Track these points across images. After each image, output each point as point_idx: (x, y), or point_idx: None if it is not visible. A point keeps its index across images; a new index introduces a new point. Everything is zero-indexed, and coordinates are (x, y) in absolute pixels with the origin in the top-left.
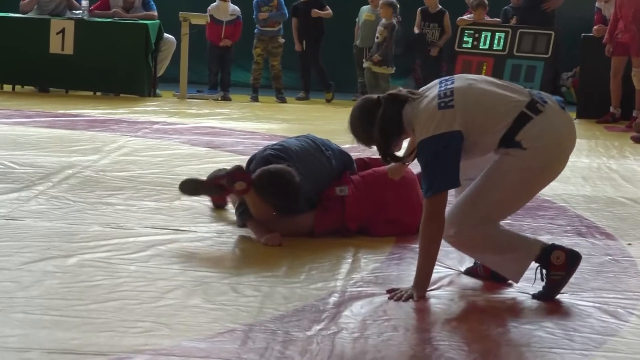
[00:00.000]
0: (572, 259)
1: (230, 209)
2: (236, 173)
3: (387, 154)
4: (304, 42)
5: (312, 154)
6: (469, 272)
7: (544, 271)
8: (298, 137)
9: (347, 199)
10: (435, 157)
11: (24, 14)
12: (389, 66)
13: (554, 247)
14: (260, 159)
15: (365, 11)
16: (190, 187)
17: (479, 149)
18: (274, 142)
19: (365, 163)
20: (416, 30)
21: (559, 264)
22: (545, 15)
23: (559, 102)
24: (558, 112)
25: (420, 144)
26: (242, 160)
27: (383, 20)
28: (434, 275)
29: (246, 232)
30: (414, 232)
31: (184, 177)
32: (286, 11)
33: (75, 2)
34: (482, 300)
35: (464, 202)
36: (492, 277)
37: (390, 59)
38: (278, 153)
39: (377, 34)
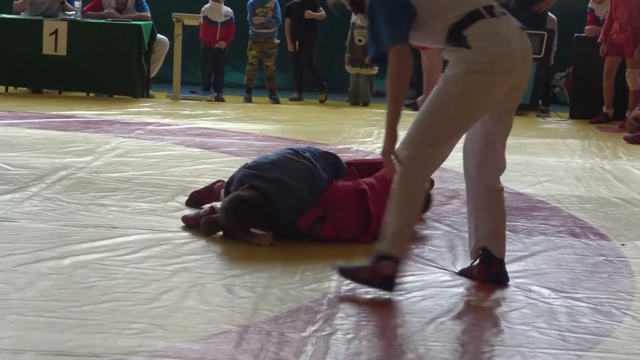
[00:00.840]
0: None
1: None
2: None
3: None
4: (297, 42)
5: (292, 159)
6: (462, 273)
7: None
8: (277, 151)
9: (372, 207)
10: (385, 16)
11: (17, 14)
12: (372, 67)
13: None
14: (236, 181)
15: None
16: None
17: (430, 36)
18: (251, 159)
19: (368, 167)
20: None
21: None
22: (536, 17)
23: (520, 25)
24: (514, 27)
25: (371, 3)
26: (236, 162)
27: (358, 21)
28: (429, 277)
29: None
30: None
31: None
32: (280, 17)
33: (67, 3)
34: (475, 301)
35: (413, 123)
36: (486, 279)
37: None
38: (251, 172)
39: (359, 37)
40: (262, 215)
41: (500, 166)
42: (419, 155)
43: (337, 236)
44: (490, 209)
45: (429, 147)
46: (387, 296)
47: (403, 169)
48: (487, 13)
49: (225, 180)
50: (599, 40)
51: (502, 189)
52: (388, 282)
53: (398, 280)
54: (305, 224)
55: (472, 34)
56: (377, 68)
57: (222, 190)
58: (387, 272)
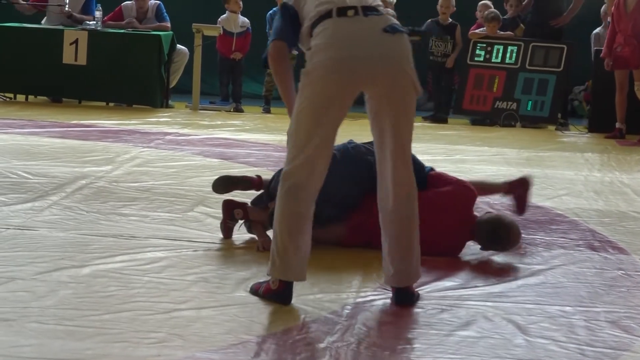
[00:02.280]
0: None
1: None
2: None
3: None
4: None
5: (354, 155)
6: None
7: None
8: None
9: None
10: (278, 18)
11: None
12: None
13: None
14: (275, 181)
15: None
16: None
17: (302, 39)
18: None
19: None
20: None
21: None
22: (554, 31)
23: (395, 27)
24: (370, 29)
25: None
26: (254, 172)
27: None
28: (446, 288)
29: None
30: (443, 253)
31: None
32: None
33: (77, 16)
34: (493, 313)
35: None
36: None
37: None
38: None
39: None
40: None
41: (393, 186)
42: (285, 172)
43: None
44: (385, 232)
45: (291, 162)
46: (405, 308)
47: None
48: (337, 13)
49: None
50: (602, 55)
51: (407, 217)
52: (278, 295)
53: (288, 292)
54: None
55: (315, 35)
56: None
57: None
58: (274, 287)
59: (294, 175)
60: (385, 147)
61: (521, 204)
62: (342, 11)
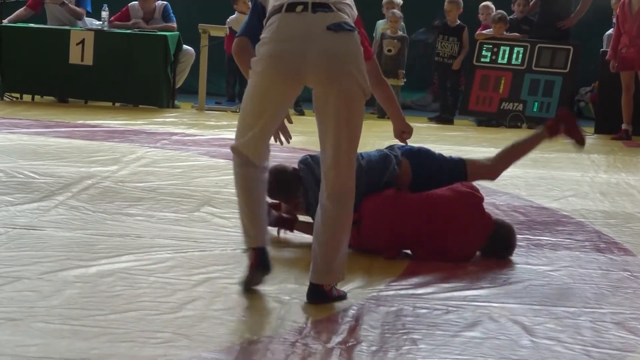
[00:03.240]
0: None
1: None
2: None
3: None
4: None
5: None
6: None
7: None
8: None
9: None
10: (248, 15)
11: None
12: (401, 78)
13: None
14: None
15: (381, 25)
16: None
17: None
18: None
19: None
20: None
21: None
22: (561, 32)
23: (341, 25)
24: (314, 26)
25: None
26: None
27: (388, 32)
28: (452, 289)
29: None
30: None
31: None
32: None
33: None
34: (499, 314)
35: None
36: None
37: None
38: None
39: (388, 47)
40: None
41: (326, 185)
42: (233, 146)
43: (361, 246)
44: (315, 226)
45: (239, 139)
46: (410, 309)
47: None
48: (286, 9)
49: None
50: (607, 57)
51: (335, 217)
52: (252, 268)
53: (262, 264)
54: None
55: (264, 29)
56: (404, 79)
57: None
58: (250, 260)
59: (241, 152)
60: (326, 144)
61: (576, 134)
62: (290, 7)
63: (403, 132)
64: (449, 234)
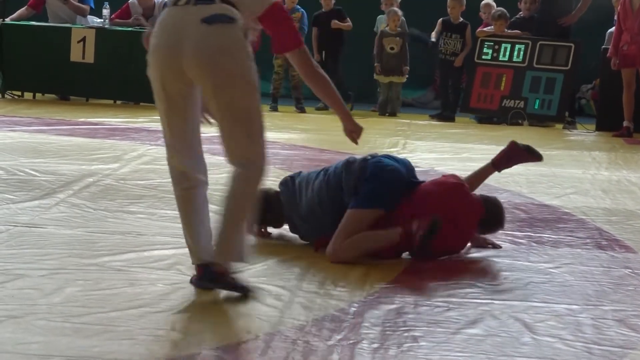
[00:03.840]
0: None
1: None
2: None
3: None
4: (323, 52)
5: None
6: None
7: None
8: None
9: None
10: None
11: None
12: (403, 74)
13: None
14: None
15: (382, 21)
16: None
17: None
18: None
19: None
20: (433, 38)
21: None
22: (562, 29)
23: (216, 18)
24: (189, 19)
25: None
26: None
27: (388, 29)
28: (453, 287)
29: (265, 241)
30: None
31: None
32: (307, 27)
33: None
34: (500, 312)
35: None
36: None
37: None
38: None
39: (390, 45)
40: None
41: (226, 153)
42: (168, 163)
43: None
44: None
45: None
46: (411, 306)
47: None
48: (172, 2)
49: None
50: (608, 54)
51: (231, 195)
52: (193, 282)
53: (206, 279)
54: (317, 247)
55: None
56: (407, 76)
57: None
58: (196, 274)
59: (173, 167)
60: (219, 126)
61: (527, 158)
62: (176, 0)
63: (351, 131)
64: (443, 230)
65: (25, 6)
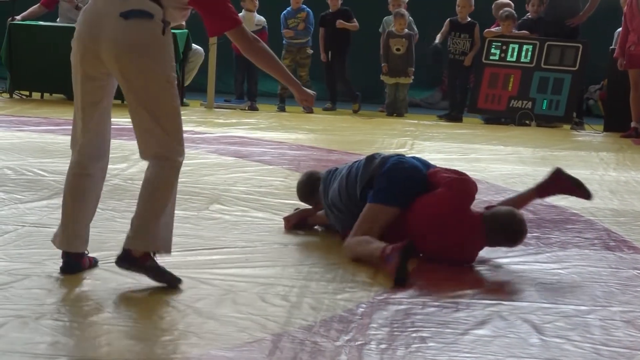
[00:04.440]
0: None
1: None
2: None
3: None
4: (330, 52)
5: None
6: None
7: None
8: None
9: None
10: None
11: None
12: (410, 75)
13: None
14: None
15: (389, 22)
16: None
17: None
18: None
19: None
20: (438, 40)
21: None
22: (570, 29)
23: (134, 12)
24: (105, 12)
25: None
26: (269, 170)
27: (394, 30)
28: (461, 287)
29: (273, 241)
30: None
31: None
32: (312, 27)
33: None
34: (508, 312)
35: None
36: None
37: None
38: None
39: (397, 46)
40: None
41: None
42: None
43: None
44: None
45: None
46: (420, 307)
47: None
48: None
49: None
50: (615, 55)
51: (153, 178)
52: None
53: (71, 263)
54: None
55: None
56: (413, 77)
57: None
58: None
59: (73, 153)
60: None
61: (574, 191)
62: None
63: (303, 100)
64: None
65: (38, 4)
